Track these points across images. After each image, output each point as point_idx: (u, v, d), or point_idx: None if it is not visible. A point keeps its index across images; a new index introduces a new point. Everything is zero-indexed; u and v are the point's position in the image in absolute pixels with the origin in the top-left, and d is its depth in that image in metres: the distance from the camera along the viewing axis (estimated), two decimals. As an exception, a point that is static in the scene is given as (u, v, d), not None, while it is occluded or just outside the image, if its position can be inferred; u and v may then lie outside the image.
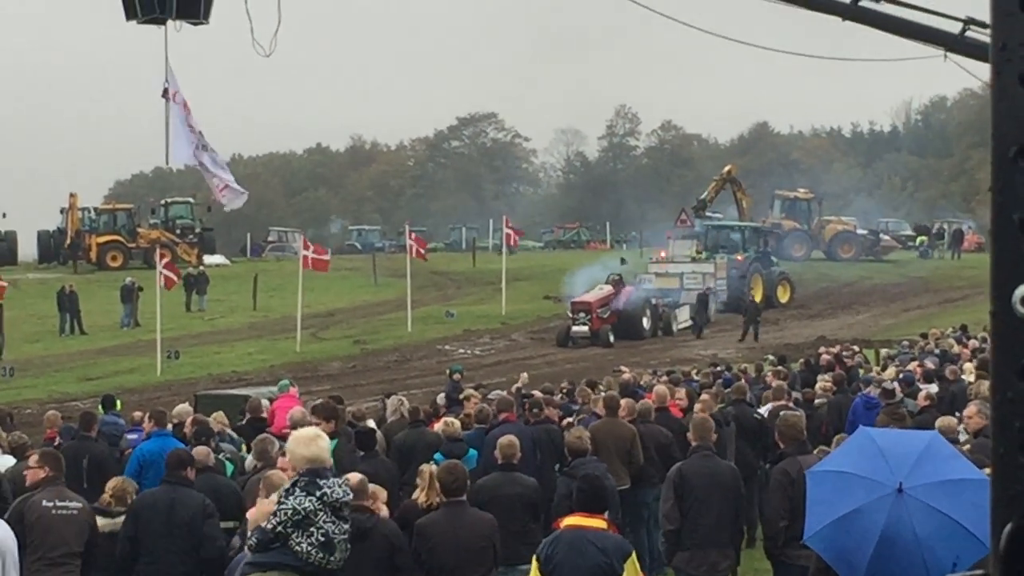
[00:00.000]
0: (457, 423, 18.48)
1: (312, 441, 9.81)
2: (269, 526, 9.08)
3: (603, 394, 20.94)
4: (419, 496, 13.26)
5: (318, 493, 9.23)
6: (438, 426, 19.55)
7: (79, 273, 73.57)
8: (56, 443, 19.01)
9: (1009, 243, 1.84)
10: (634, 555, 10.71)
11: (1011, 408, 1.85)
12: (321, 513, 9.18)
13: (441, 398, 27.53)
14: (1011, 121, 1.84)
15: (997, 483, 1.88)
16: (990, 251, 1.90)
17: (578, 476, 13.67)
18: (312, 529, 9.12)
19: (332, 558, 9.10)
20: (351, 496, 9.46)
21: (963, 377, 25.96)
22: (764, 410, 21.99)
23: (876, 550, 9.66)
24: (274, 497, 9.62)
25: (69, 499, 13.14)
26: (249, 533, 9.07)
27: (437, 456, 16.56)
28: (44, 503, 13.00)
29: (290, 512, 9.10)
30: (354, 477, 12.18)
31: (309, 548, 9.07)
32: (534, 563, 10.60)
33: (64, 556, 12.91)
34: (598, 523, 10.70)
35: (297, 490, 9.24)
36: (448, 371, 32.51)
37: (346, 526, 9.26)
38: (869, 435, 11.14)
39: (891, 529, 9.67)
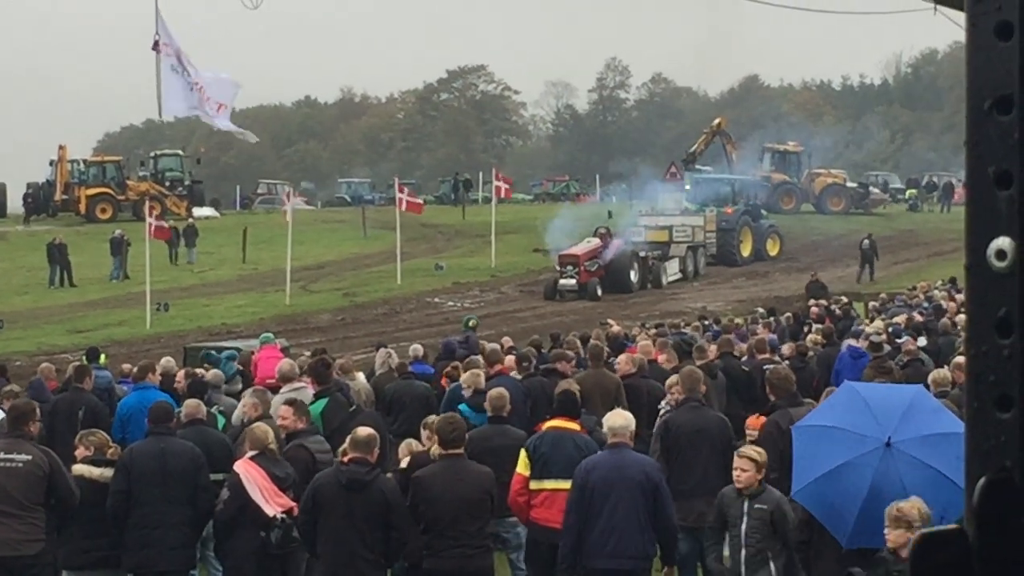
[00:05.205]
0: (481, 375, 18.03)
1: None
2: None
3: (589, 344, 21.02)
4: (433, 449, 13.16)
5: None
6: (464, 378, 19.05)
7: (69, 225, 73.47)
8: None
9: (984, 196, 1.85)
10: None
11: (985, 362, 1.86)
12: None
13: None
14: (986, 73, 1.84)
15: (971, 437, 1.88)
16: (965, 204, 1.90)
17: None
18: None
19: None
20: None
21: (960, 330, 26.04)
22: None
23: (865, 504, 9.70)
24: None
25: (16, 451, 13.04)
26: None
27: (463, 407, 16.48)
28: None
29: None
30: (363, 431, 12.24)
31: None
32: (523, 453, 13.31)
33: (15, 509, 12.90)
34: (574, 425, 13.65)
35: None
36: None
37: None
38: (855, 389, 11.18)
39: (880, 483, 9.70)
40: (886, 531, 9.43)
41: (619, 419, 12.65)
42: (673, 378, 16.34)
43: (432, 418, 14.01)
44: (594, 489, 12.05)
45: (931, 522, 8.92)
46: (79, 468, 13.34)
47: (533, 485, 13.26)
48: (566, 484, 12.76)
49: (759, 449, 11.72)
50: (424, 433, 13.81)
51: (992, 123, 1.84)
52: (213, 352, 26.11)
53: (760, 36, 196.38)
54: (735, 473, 11.46)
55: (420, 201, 59.08)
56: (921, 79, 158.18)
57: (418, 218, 64.15)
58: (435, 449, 13.06)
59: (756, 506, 11.30)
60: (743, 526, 11.30)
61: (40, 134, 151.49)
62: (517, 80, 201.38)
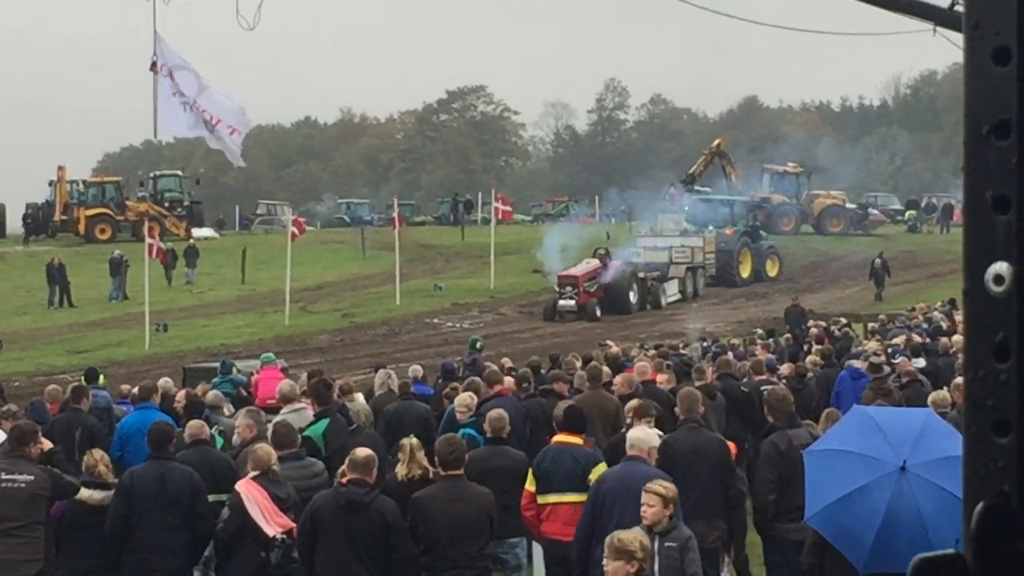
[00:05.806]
0: (473, 398, 17.94)
1: None
2: None
3: (588, 366, 20.95)
4: (400, 470, 13.25)
5: None
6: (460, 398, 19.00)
7: (68, 246, 73.51)
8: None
9: (982, 221, 1.85)
10: (603, 464, 13.77)
11: (983, 386, 1.86)
12: None
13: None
14: (984, 99, 1.85)
15: (969, 462, 1.88)
16: (963, 229, 1.90)
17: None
18: None
19: None
20: None
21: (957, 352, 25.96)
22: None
23: (881, 528, 9.65)
24: None
25: (18, 472, 13.05)
26: None
27: (470, 431, 16.42)
28: None
29: None
30: (361, 452, 12.23)
31: None
32: (531, 470, 13.92)
33: (16, 529, 12.92)
34: (577, 440, 14.08)
35: None
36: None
37: None
38: (867, 413, 11.13)
39: (895, 507, 9.66)
40: (604, 562, 9.35)
41: (640, 432, 13.05)
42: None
43: (405, 440, 13.92)
44: (604, 500, 12.30)
45: (944, 546, 8.87)
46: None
47: (540, 500, 13.84)
48: (567, 497, 13.48)
49: (667, 484, 11.20)
50: (399, 455, 13.77)
51: (990, 148, 1.85)
52: (228, 361, 26.41)
53: (759, 57, 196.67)
54: (642, 509, 11.00)
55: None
56: (920, 100, 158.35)
57: (417, 239, 64.26)
58: (401, 470, 13.13)
59: (666, 544, 10.82)
60: (656, 565, 10.55)
61: (39, 154, 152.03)
62: (516, 101, 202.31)
